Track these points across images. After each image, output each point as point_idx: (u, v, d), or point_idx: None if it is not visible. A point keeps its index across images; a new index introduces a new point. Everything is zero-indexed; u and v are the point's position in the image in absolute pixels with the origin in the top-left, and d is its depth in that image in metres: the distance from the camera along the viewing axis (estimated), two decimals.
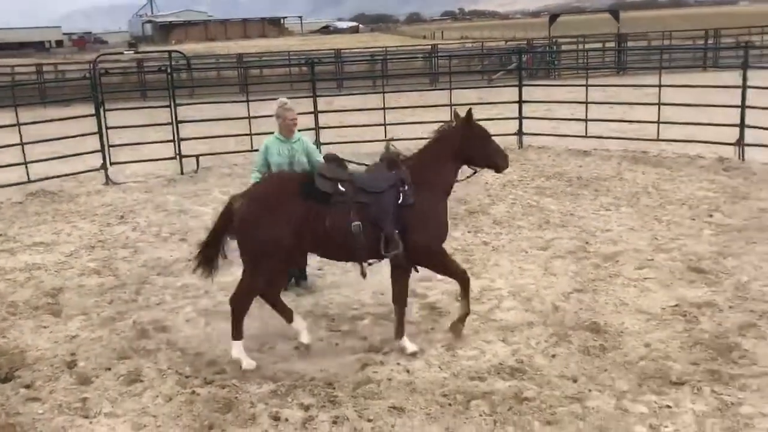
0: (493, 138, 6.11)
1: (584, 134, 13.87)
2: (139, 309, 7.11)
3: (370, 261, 5.82)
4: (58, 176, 12.77)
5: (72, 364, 5.93)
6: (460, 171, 6.10)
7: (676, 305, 6.55)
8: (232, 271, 7.98)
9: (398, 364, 5.68)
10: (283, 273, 6.20)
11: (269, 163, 7.06)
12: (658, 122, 13.03)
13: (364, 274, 5.79)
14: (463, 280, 5.98)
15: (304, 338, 6.02)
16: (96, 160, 13.17)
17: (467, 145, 5.94)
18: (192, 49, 58.00)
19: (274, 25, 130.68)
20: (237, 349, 5.78)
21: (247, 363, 5.75)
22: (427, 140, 6.08)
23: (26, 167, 12.34)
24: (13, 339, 6.49)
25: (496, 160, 6.07)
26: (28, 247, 9.29)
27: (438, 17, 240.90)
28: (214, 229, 5.91)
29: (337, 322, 6.56)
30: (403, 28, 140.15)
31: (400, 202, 5.65)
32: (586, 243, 8.39)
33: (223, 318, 6.81)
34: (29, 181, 12.40)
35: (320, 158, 7.14)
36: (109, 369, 5.82)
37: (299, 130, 7.28)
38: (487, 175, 11.26)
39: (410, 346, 5.88)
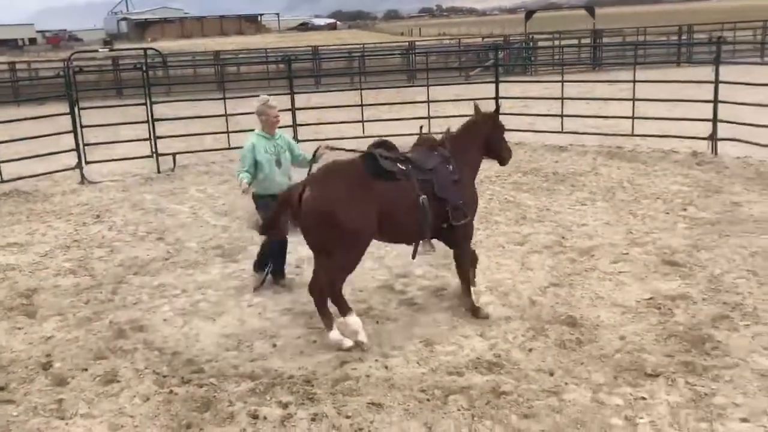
0: None
1: (560, 130, 13.97)
2: (116, 309, 7.06)
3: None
4: (32, 176, 12.61)
5: (47, 366, 5.88)
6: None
7: (651, 298, 6.64)
8: (209, 270, 8.03)
9: (376, 360, 5.70)
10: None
11: (257, 161, 7.01)
12: (633, 117, 13.16)
13: (414, 254, 6.22)
14: (465, 272, 6.48)
15: (362, 337, 5.92)
16: (71, 159, 13.03)
17: (492, 136, 6.56)
18: (168, 46, 57.38)
19: (251, 22, 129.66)
20: (356, 325, 5.89)
21: (362, 336, 5.86)
22: (458, 128, 6.55)
23: None
24: None
25: (506, 154, 6.80)
26: (1, 247, 9.17)
27: (416, 14, 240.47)
28: (272, 218, 5.92)
29: (315, 320, 6.53)
30: (380, 25, 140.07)
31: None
32: (563, 238, 8.47)
33: (201, 317, 6.80)
34: (2, 181, 12.24)
35: (302, 152, 7.22)
36: (86, 370, 5.78)
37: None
38: None
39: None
